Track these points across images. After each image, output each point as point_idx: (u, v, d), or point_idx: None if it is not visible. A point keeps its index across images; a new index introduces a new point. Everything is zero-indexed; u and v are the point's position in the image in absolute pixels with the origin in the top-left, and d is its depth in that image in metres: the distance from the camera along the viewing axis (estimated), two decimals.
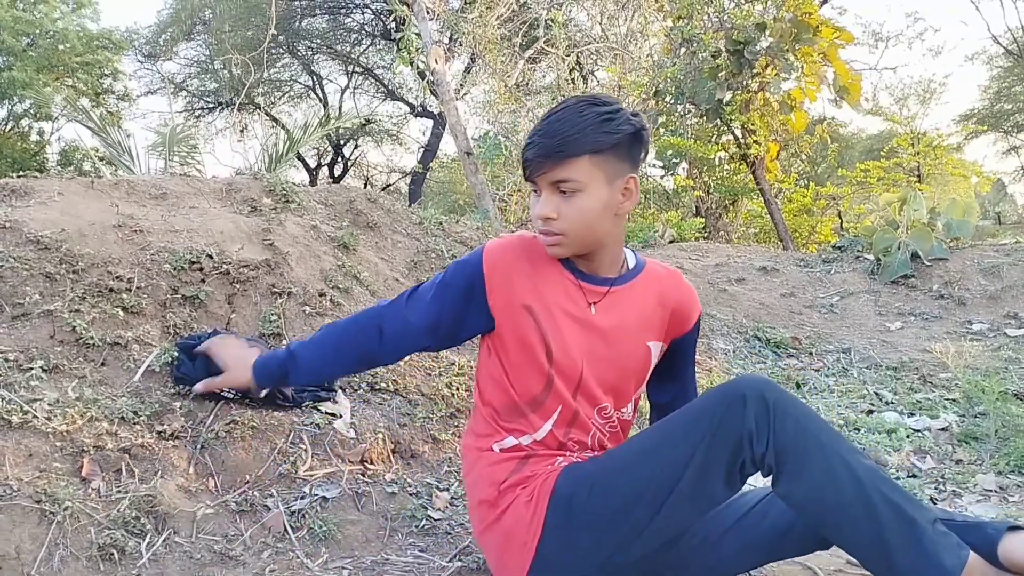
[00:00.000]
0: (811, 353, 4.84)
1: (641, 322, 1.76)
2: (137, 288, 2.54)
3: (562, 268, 1.72)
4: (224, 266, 2.75)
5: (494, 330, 1.71)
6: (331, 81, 22.80)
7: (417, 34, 8.12)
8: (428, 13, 8.00)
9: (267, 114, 22.93)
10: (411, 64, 8.67)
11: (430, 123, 19.51)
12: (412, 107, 20.39)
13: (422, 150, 20.10)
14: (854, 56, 22.88)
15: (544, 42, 9.19)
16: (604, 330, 1.71)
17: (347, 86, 22.58)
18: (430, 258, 3.65)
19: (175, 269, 2.67)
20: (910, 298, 5.78)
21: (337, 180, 24.75)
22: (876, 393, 4.08)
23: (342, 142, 23.68)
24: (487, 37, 8.52)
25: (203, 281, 2.71)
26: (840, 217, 10.74)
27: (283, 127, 23.19)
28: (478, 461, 1.75)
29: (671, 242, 7.99)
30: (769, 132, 8.42)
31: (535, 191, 1.67)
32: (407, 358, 2.89)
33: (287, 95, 23.54)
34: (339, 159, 23.91)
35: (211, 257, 2.76)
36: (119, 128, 5.38)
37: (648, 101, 8.35)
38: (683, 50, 8.20)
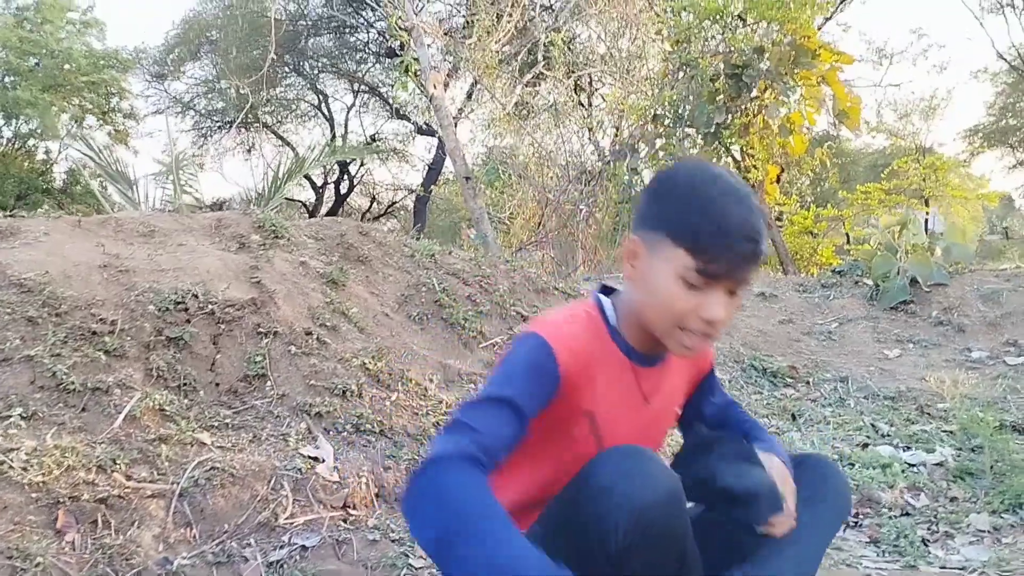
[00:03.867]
0: (808, 382, 4.81)
1: (676, 391, 1.66)
2: (120, 330, 2.53)
3: (622, 355, 1.51)
4: (209, 306, 2.74)
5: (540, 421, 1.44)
6: (337, 99, 22.91)
7: (416, 59, 8.15)
8: (427, 36, 8.03)
9: (274, 133, 23.06)
10: (408, 89, 8.70)
11: (435, 141, 19.58)
12: (417, 125, 20.46)
13: (427, 168, 20.16)
14: (859, 73, 22.93)
15: (544, 65, 9.21)
16: (653, 414, 1.59)
17: (352, 104, 22.68)
18: (420, 292, 3.63)
19: (160, 310, 2.66)
20: (909, 324, 5.74)
21: (343, 198, 24.81)
22: (872, 425, 4.05)
23: (348, 160, 23.75)
24: (486, 61, 8.55)
25: (188, 321, 2.70)
26: (847, 235, 10.70)
27: (290, 145, 23.32)
28: None
29: None
30: (769, 155, 8.41)
31: (697, 288, 1.36)
32: (394, 397, 2.89)
33: (294, 113, 23.64)
34: (345, 177, 23.99)
35: (196, 297, 2.76)
36: (117, 160, 5.38)
37: (647, 124, 8.36)
38: (681, 74, 8.20)
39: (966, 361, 5.13)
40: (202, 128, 22.73)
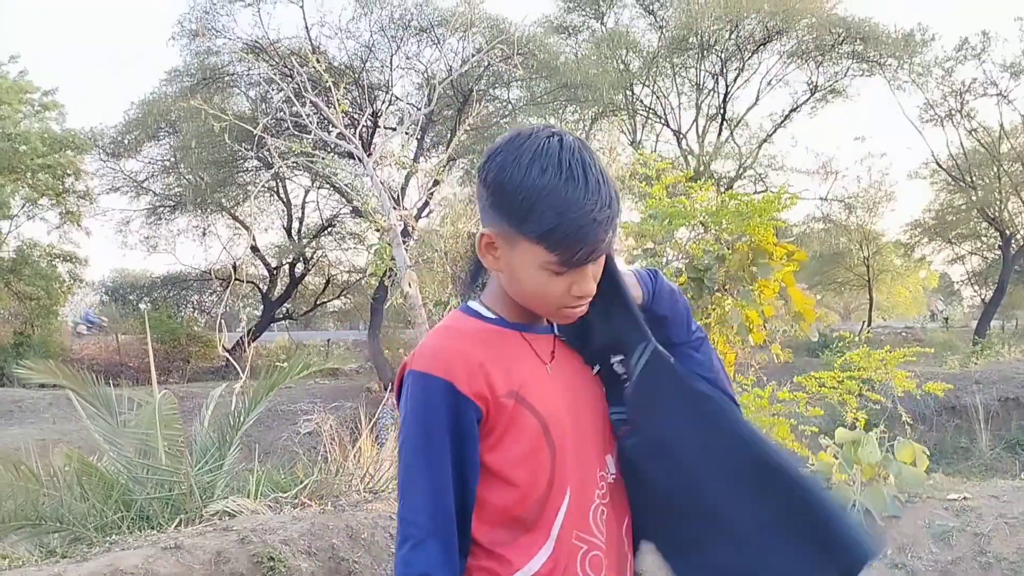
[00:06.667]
0: None
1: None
2: None
3: (502, 329, 1.47)
4: None
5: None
6: (295, 182, 22.71)
7: (392, 258, 8.39)
8: (403, 239, 8.31)
9: (231, 215, 22.91)
10: (382, 272, 8.94)
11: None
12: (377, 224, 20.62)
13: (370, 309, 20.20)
14: (805, 184, 24.32)
15: None
16: (567, 380, 1.50)
17: (310, 187, 22.62)
18: None
19: None
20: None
21: (298, 280, 24.70)
22: None
23: (304, 241, 23.66)
24: (458, 251, 8.86)
25: None
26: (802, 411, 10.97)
27: (246, 228, 23.21)
28: None
29: None
30: (729, 348, 8.75)
31: (561, 273, 1.37)
32: None
33: (251, 196, 23.47)
34: (300, 259, 23.88)
35: None
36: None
37: None
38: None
39: None
40: (156, 208, 22.53)
